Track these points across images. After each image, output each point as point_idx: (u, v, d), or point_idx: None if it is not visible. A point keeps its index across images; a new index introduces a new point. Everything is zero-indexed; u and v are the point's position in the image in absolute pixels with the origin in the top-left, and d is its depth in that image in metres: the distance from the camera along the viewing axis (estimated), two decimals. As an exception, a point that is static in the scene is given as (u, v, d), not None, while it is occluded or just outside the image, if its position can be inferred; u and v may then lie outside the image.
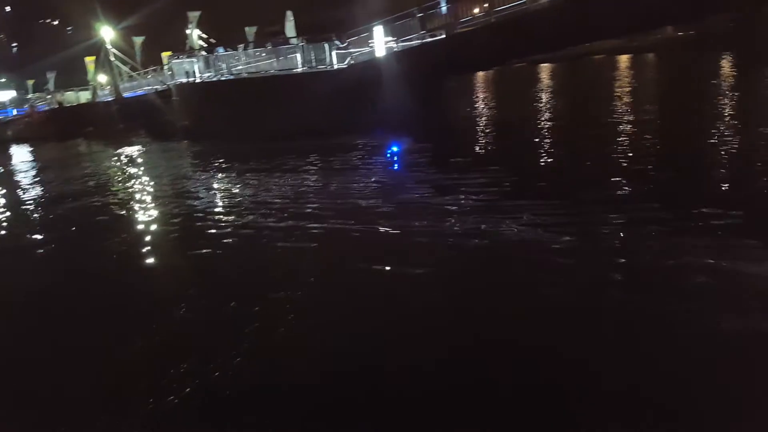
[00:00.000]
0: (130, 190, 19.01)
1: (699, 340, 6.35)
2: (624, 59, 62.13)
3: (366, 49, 29.11)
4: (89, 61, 55.59)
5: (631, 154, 16.11)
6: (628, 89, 34.86)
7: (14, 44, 73.54)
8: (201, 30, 45.86)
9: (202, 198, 16.05)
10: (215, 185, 17.98)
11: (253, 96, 29.35)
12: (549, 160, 17.04)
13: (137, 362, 7.02)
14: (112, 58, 47.96)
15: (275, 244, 10.78)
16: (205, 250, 11.09)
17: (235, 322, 7.76)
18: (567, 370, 6.01)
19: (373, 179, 15.98)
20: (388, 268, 9.19)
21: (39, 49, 65.18)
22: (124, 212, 15.55)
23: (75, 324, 8.38)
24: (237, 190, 16.52)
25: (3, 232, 15.36)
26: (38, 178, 24.92)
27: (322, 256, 10.02)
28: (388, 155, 19.37)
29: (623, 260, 8.64)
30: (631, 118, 22.99)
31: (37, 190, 21.46)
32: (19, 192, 21.46)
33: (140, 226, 13.88)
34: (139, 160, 27.09)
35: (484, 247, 9.56)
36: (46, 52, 62.49)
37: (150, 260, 11.35)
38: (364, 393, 5.98)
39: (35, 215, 16.81)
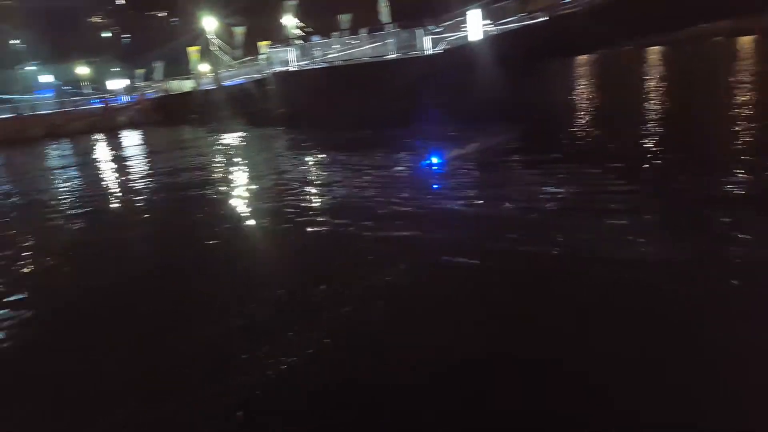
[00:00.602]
0: (228, 177, 19.61)
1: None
2: (746, 41, 56.74)
3: (461, 34, 28.35)
4: (192, 50, 58.40)
5: (741, 150, 14.53)
6: (746, 74, 31.76)
7: (126, 36, 78.56)
8: (297, 19, 46.72)
9: (293, 188, 16.10)
10: (307, 175, 18.08)
11: (346, 83, 29.54)
12: (650, 156, 15.54)
13: (214, 344, 7.22)
14: (214, 48, 50.03)
15: (357, 242, 10.56)
16: (286, 241, 11.26)
17: (290, 316, 7.76)
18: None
19: (460, 173, 15.35)
20: (460, 269, 8.80)
21: (148, 40, 69.24)
22: (221, 198, 16.06)
23: (165, 305, 8.78)
24: (327, 183, 16.42)
25: (109, 215, 16.30)
26: (146, 162, 26.36)
27: (402, 254, 9.70)
28: (479, 146, 18.51)
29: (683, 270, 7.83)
30: (749, 109, 20.79)
31: (144, 174, 22.63)
32: (130, 175, 22.74)
33: (234, 211, 14.34)
34: (238, 147, 27.96)
35: (562, 255, 8.78)
36: (154, 42, 66.25)
37: (241, 245, 11.66)
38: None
39: (140, 199, 17.63)
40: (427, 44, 28.47)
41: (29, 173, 26.48)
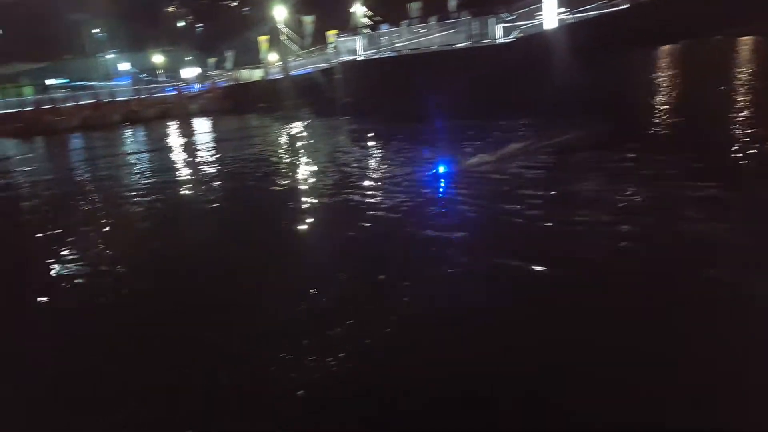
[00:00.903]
0: (291, 167, 19.63)
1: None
2: None
3: (534, 22, 27.35)
4: (262, 40, 59.33)
5: None
6: None
7: (199, 25, 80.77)
8: (366, 8, 46.46)
9: (354, 181, 15.81)
10: (369, 167, 17.72)
11: (413, 72, 29.03)
12: (733, 157, 14.27)
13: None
14: (283, 38, 50.61)
15: (415, 239, 10.26)
16: (346, 233, 11.09)
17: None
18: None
19: (532, 164, 14.72)
20: (535, 266, 8.38)
21: (219, 29, 70.87)
22: (283, 188, 16.06)
23: (223, 291, 8.88)
24: (389, 176, 15.90)
25: (176, 202, 16.54)
26: (214, 150, 26.76)
27: (462, 247, 9.49)
28: (553, 138, 17.59)
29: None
30: None
31: (212, 162, 22.98)
32: (198, 162, 23.23)
33: (296, 202, 14.32)
34: (302, 137, 28.01)
35: (626, 265, 8.18)
36: (225, 31, 67.74)
37: (302, 235, 11.75)
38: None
39: (206, 188, 17.79)
40: (498, 32, 27.60)
41: (107, 157, 27.53)
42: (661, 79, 33.72)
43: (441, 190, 13.47)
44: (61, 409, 6.11)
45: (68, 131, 42.30)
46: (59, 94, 54.06)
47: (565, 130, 17.98)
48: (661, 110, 22.71)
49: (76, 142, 38.06)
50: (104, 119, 45.90)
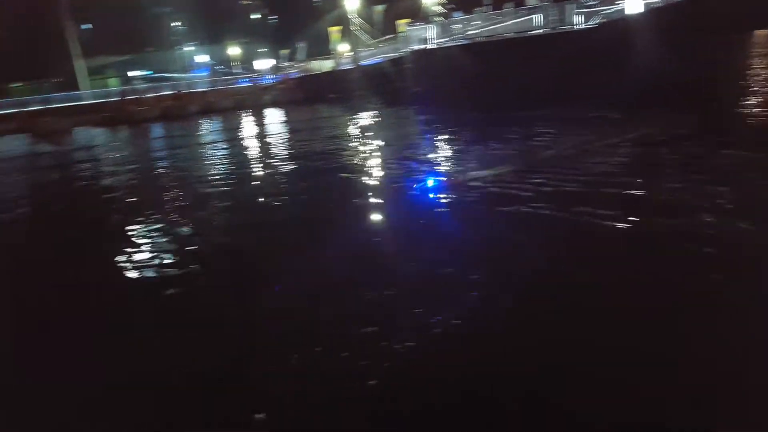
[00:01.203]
0: (356, 158, 19.43)
1: None
2: None
3: (616, 7, 26.07)
4: (333, 30, 59.91)
5: None
6: None
7: (273, 17, 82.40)
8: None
9: (420, 174, 15.34)
10: (434, 161, 17.20)
11: (487, 60, 28.34)
12: None
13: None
14: (354, 28, 50.85)
15: (473, 239, 9.92)
16: (410, 227, 10.95)
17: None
18: None
19: (610, 161, 13.72)
20: (583, 269, 7.93)
21: (292, 21, 72.07)
22: (348, 180, 15.87)
23: (302, 277, 8.70)
24: (454, 171, 15.17)
25: (247, 186, 16.83)
26: (285, 141, 27.31)
27: (536, 244, 9.07)
28: (635, 131, 16.49)
29: None
30: None
31: (282, 152, 23.39)
32: (270, 153, 23.67)
33: (362, 193, 14.15)
34: (370, 128, 27.87)
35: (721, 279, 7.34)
36: (298, 23, 68.81)
37: (364, 227, 11.55)
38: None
39: (278, 173, 18.17)
40: (577, 19, 26.48)
41: (186, 147, 28.60)
42: (756, 68, 31.26)
43: (510, 187, 12.77)
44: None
45: (150, 121, 44.33)
46: (141, 86, 56.69)
47: (649, 122, 16.94)
48: (756, 102, 21.02)
49: (159, 131, 39.76)
50: (183, 110, 47.77)
